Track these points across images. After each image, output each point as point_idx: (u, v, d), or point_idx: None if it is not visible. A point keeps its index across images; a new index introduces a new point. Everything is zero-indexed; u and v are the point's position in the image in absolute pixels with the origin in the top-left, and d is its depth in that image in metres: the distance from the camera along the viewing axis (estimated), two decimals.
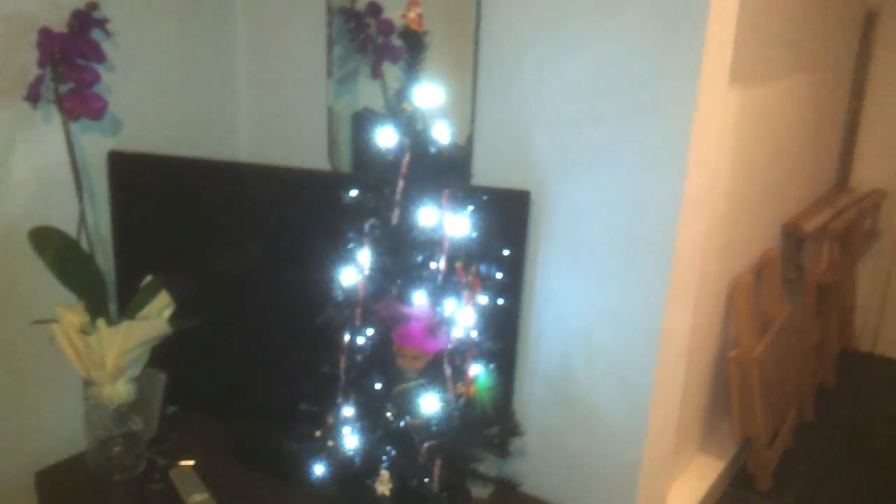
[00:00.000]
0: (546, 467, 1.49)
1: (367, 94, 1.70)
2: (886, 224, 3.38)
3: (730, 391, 2.24)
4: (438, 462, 1.21)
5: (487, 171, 1.46)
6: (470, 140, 1.47)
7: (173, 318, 1.45)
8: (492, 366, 1.27)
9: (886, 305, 3.45)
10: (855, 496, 2.29)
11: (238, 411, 1.60)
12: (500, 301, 1.25)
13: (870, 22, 3.27)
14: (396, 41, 1.67)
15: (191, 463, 1.50)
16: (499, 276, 1.25)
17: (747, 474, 2.29)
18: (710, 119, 1.31)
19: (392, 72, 1.63)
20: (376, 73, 1.67)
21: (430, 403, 1.19)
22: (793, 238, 2.71)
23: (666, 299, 1.31)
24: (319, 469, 1.26)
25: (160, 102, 1.64)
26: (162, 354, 1.50)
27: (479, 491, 1.40)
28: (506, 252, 1.34)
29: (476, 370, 1.25)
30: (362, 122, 1.76)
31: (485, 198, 1.23)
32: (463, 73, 1.47)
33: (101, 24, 1.44)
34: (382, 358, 1.24)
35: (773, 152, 2.38)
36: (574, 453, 1.47)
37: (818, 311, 2.84)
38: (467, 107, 1.48)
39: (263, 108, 1.81)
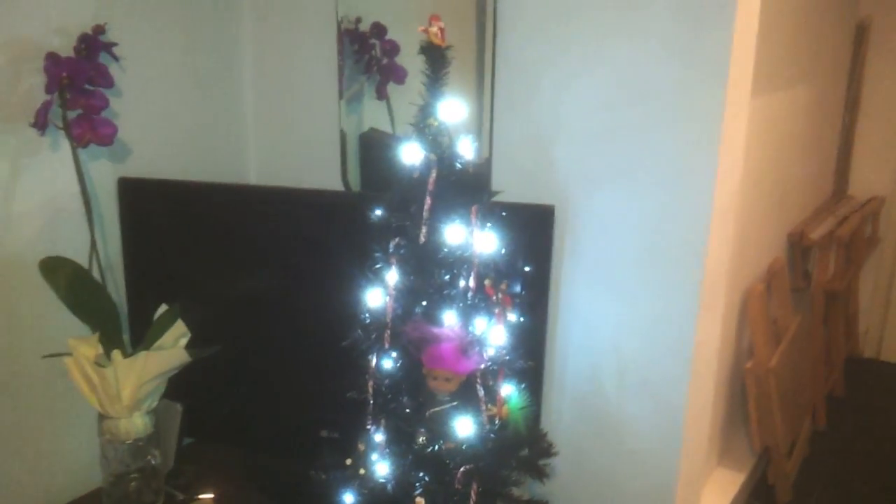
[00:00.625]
0: (577, 487, 1.45)
1: (373, 114, 1.68)
2: (885, 230, 3.38)
3: (747, 402, 2.20)
4: (475, 486, 1.16)
5: (508, 188, 1.42)
6: (489, 157, 1.44)
7: (189, 347, 1.40)
8: (523, 385, 1.23)
9: (889, 311, 3.44)
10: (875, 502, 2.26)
11: (258, 441, 1.55)
12: (526, 318, 1.22)
13: (861, 32, 3.29)
14: (400, 61, 1.67)
15: (210, 496, 1.45)
16: (524, 293, 1.22)
17: (767, 486, 2.26)
18: (737, 126, 1.29)
19: (397, 92, 1.61)
20: (382, 94, 1.65)
21: (464, 426, 1.15)
22: (798, 247, 2.69)
23: (698, 311, 1.28)
24: (349, 498, 1.21)
25: (168, 127, 1.61)
26: (177, 384, 1.45)
27: None
28: (531, 268, 1.31)
29: (508, 390, 1.21)
30: (370, 142, 1.73)
31: (503, 213, 1.19)
32: (478, 88, 1.44)
33: (109, 48, 1.41)
34: (412, 381, 1.19)
35: (777, 162, 2.37)
36: (606, 472, 1.42)
37: (825, 319, 2.82)
38: (485, 124, 1.45)
39: (272, 130, 1.78)
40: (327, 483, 1.24)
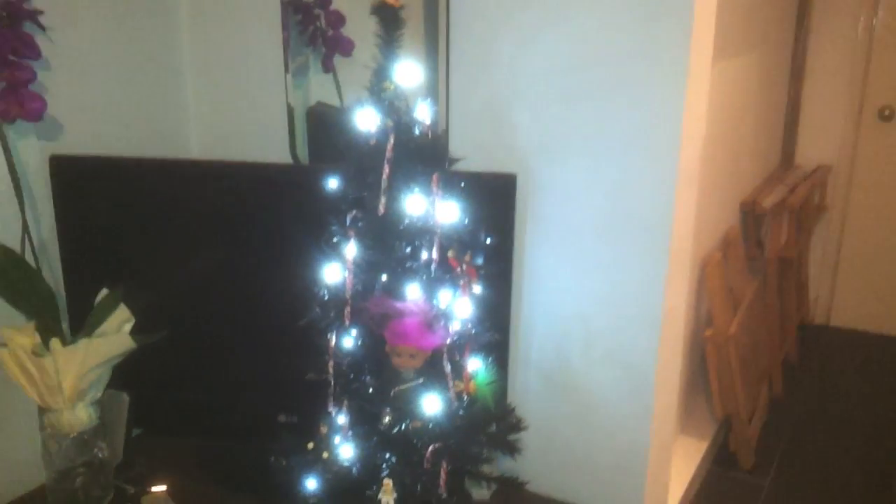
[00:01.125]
0: (547, 461, 1.42)
1: (319, 88, 1.62)
2: (832, 198, 3.43)
3: (706, 371, 2.21)
4: (444, 465, 1.12)
5: (467, 158, 1.37)
6: (446, 128, 1.39)
7: (134, 333, 1.32)
8: (490, 359, 1.19)
9: (837, 278, 3.50)
10: (833, 467, 2.30)
11: (212, 429, 1.48)
12: (490, 291, 1.17)
13: (805, 1, 3.31)
14: (346, 32, 1.60)
15: (163, 489, 1.38)
16: (487, 264, 1.18)
17: (729, 453, 2.27)
18: (700, 89, 1.26)
19: (343, 65, 1.55)
20: (328, 67, 1.58)
21: (431, 403, 1.11)
22: (751, 215, 2.71)
23: (666, 277, 1.25)
24: (312, 484, 1.15)
25: (102, 102, 1.51)
26: (124, 373, 1.37)
27: (480, 493, 1.32)
28: (494, 239, 1.26)
29: (475, 365, 1.17)
30: (318, 117, 1.66)
31: (463, 184, 1.14)
32: (430, 53, 1.39)
33: (34, 16, 1.31)
34: (375, 359, 1.14)
35: (730, 131, 2.37)
36: (575, 444, 1.40)
37: (778, 287, 2.85)
38: (440, 91, 1.40)
39: (214, 105, 1.69)
40: (288, 469, 1.18)
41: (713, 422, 2.31)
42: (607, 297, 1.31)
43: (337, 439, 1.15)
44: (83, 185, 1.40)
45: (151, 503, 1.35)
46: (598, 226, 1.29)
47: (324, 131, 1.67)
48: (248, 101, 1.65)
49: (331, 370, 1.16)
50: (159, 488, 1.39)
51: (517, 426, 1.21)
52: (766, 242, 2.78)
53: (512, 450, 1.17)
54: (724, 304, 2.21)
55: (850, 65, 3.35)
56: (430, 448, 1.11)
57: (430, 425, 1.11)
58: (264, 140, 1.63)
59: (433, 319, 1.10)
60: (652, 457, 1.36)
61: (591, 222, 1.30)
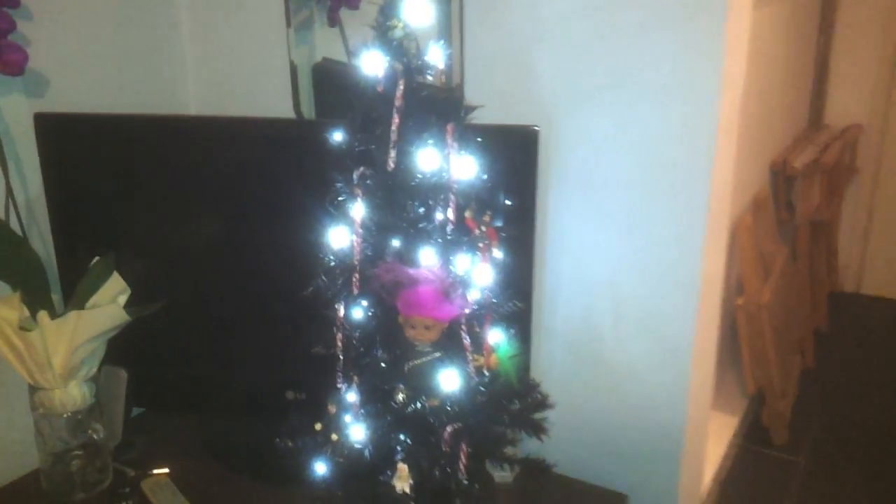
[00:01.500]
0: (573, 442, 1.32)
1: (325, 43, 1.50)
2: (864, 160, 3.28)
3: (739, 341, 2.09)
4: (464, 448, 1.02)
5: (485, 110, 1.25)
6: (460, 70, 1.27)
7: (130, 305, 1.22)
8: (512, 331, 1.09)
9: (869, 243, 3.36)
10: (871, 440, 2.18)
11: (216, 407, 1.39)
12: (510, 255, 1.07)
13: None
14: None
15: (165, 471, 1.30)
16: (507, 225, 1.07)
17: (761, 428, 2.16)
18: (740, 29, 1.14)
19: (350, 18, 1.43)
20: (334, 21, 1.46)
21: (449, 380, 1.00)
22: (782, 176, 2.58)
23: (704, 240, 1.13)
24: (321, 468, 1.06)
25: (92, 55, 1.40)
26: (121, 348, 1.28)
27: (502, 476, 1.22)
28: (514, 199, 1.16)
29: (496, 337, 1.06)
30: (325, 74, 1.55)
31: (480, 139, 1.03)
32: None
33: None
34: (387, 331, 1.04)
35: (760, 86, 2.23)
36: (605, 423, 1.30)
37: (808, 253, 2.72)
38: (454, 38, 1.28)
39: (213, 61, 1.58)
40: (295, 451, 1.09)
41: (743, 396, 2.20)
42: (639, 261, 1.20)
43: (347, 419, 1.05)
44: (72, 144, 1.29)
45: (152, 487, 1.27)
46: (630, 182, 1.18)
47: (331, 89, 1.56)
48: (249, 58, 1.54)
49: (339, 344, 1.05)
50: (161, 471, 1.30)
51: (543, 404, 1.10)
52: (797, 205, 2.64)
53: (538, 430, 1.06)
54: (756, 271, 2.09)
55: (883, 17, 3.17)
56: (449, 429, 1.00)
57: (448, 404, 1.00)
58: (266, 99, 1.52)
59: (450, 287, 0.99)
60: (688, 436, 1.25)
61: (621, 178, 1.18)
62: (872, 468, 2.03)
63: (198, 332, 1.34)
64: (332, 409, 1.04)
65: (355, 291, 1.03)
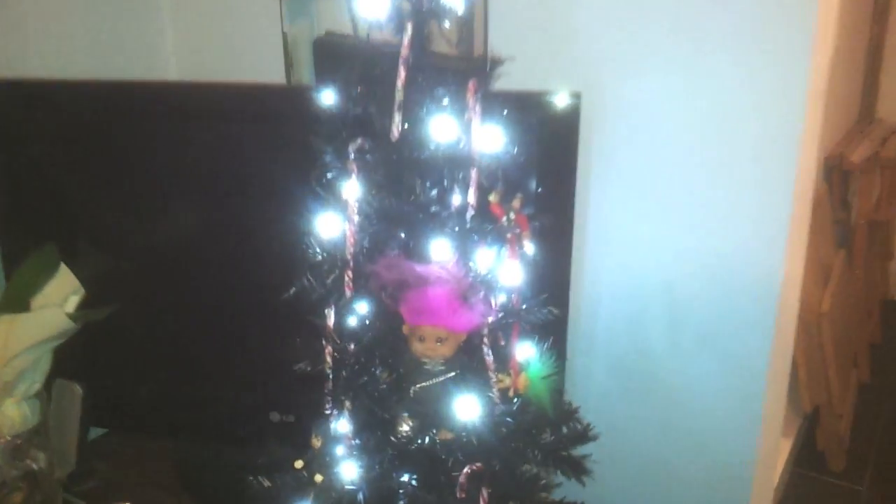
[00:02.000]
0: (617, 479, 1.10)
1: (329, 14, 1.33)
2: None
3: (794, 354, 1.86)
4: (484, 494, 0.81)
5: (512, 73, 1.04)
6: (484, 17, 1.06)
7: (87, 307, 1.02)
8: (546, 345, 0.87)
9: None
10: None
11: (189, 430, 1.18)
12: (544, 250, 0.85)
13: None
14: None
15: None
16: (541, 213, 0.86)
17: (816, 452, 1.93)
18: None
19: None
20: None
21: (467, 406, 0.79)
22: (838, 171, 2.34)
23: (788, 237, 0.91)
24: None
25: (56, 17, 1.22)
26: (77, 359, 1.07)
27: None
28: (549, 181, 0.94)
29: (525, 353, 0.84)
30: (327, 48, 1.34)
31: (506, 110, 0.82)
32: None
33: None
34: (388, 344, 0.83)
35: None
36: (656, 456, 1.08)
37: (865, 256, 2.48)
38: None
39: (196, 30, 1.38)
40: (273, 492, 0.88)
41: (797, 415, 1.96)
42: (703, 261, 0.99)
43: (337, 453, 0.84)
44: (23, 113, 1.09)
45: None
46: (693, 163, 0.96)
47: (334, 64, 1.35)
48: (237, 30, 1.35)
49: (328, 359, 0.84)
50: None
51: (584, 435, 0.89)
52: (854, 204, 2.40)
53: (578, 470, 0.85)
54: (815, 276, 1.86)
55: None
56: (466, 469, 0.79)
57: (465, 437, 0.79)
58: (257, 73, 1.33)
59: (469, 289, 0.78)
60: (757, 473, 1.03)
61: (683, 157, 0.96)
62: None
63: (168, 341, 1.14)
64: (318, 441, 0.82)
65: (348, 294, 0.82)
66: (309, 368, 0.86)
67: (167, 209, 1.10)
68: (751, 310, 0.96)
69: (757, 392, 0.99)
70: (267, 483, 0.87)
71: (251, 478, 0.88)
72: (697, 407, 1.04)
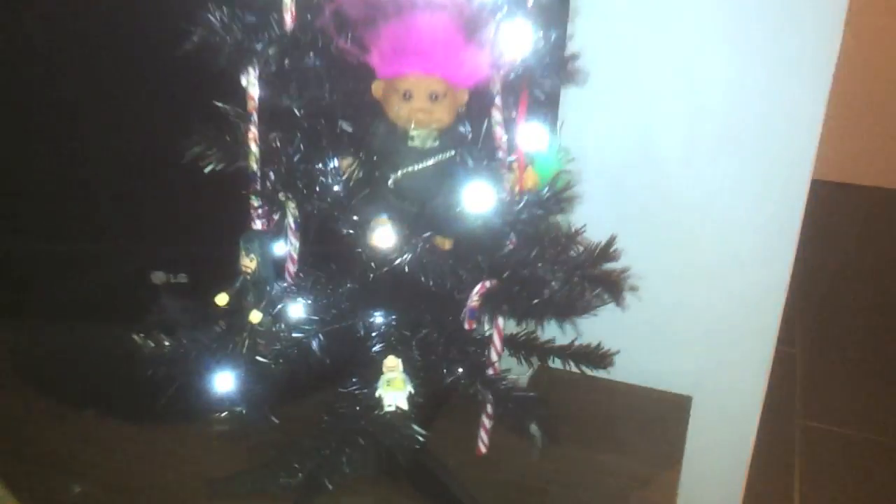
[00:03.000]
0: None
1: None
2: None
3: None
4: (498, 322, 0.57)
5: None
6: None
7: None
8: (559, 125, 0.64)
9: None
10: None
11: (36, 304, 0.84)
12: None
13: None
14: None
15: None
16: None
17: None
18: None
19: None
20: None
21: (477, 197, 0.53)
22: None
23: None
24: (227, 382, 0.57)
25: None
26: None
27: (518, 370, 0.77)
28: None
29: (537, 137, 0.59)
30: None
31: None
32: None
33: None
34: (351, 105, 0.55)
35: None
36: (673, 298, 0.87)
37: None
38: None
39: None
40: (173, 357, 0.59)
41: None
42: None
43: (282, 284, 0.57)
44: None
45: None
46: None
47: None
48: None
49: (253, 148, 0.56)
50: None
51: (605, 253, 0.66)
52: None
53: (615, 289, 0.61)
54: None
55: None
56: (478, 288, 0.54)
57: (476, 240, 0.54)
58: None
59: (475, 20, 0.52)
60: None
61: None
62: None
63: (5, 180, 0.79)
64: (251, 262, 0.54)
65: (285, 35, 0.53)
66: (219, 167, 0.57)
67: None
68: None
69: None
70: (166, 342, 0.58)
71: (139, 337, 0.59)
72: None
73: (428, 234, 0.53)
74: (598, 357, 0.70)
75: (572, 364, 0.70)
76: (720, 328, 0.88)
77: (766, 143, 0.80)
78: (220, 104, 0.57)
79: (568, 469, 0.71)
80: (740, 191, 0.83)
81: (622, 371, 0.84)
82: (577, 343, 0.70)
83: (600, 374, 0.75)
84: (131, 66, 0.69)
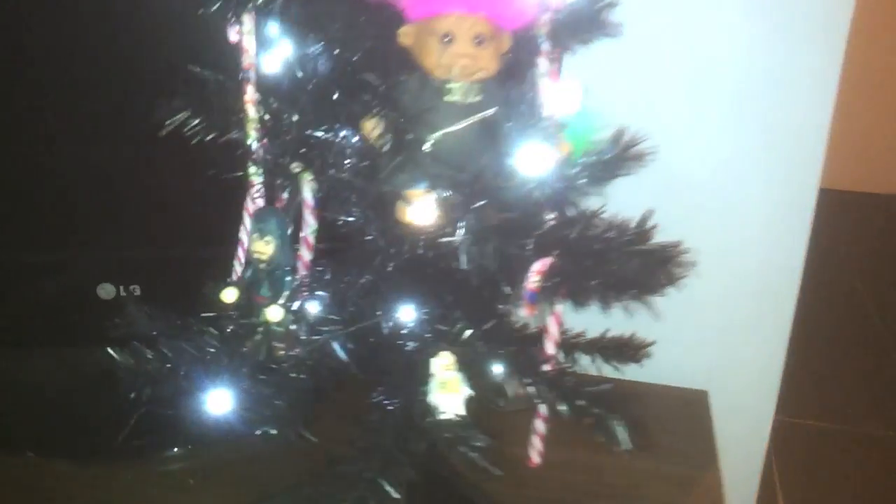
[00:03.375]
0: None
1: None
2: None
3: None
4: (556, 312, 0.49)
5: None
6: None
7: None
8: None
9: None
10: None
11: None
12: None
13: None
14: None
15: None
16: None
17: None
18: None
19: None
20: None
21: (531, 160, 0.45)
22: None
23: None
24: (225, 400, 0.46)
25: None
26: None
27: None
28: None
29: (571, 98, 0.51)
30: None
31: None
32: None
33: None
34: (377, 63, 0.46)
35: None
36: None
37: None
38: None
39: None
40: (157, 372, 0.48)
41: None
42: None
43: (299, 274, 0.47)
44: None
45: None
46: None
47: None
48: None
49: (249, 111, 0.46)
50: None
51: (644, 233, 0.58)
52: None
53: (674, 266, 0.54)
54: None
55: None
56: (536, 267, 0.46)
57: (534, 203, 0.46)
58: None
59: None
60: None
61: None
62: None
63: None
64: (267, 246, 0.44)
65: None
66: (208, 138, 0.46)
67: None
68: None
69: None
70: (149, 355, 0.47)
71: (109, 351, 0.47)
72: None
73: (481, 203, 0.44)
74: (632, 349, 0.63)
75: (601, 360, 0.63)
76: (733, 324, 0.83)
77: (776, 142, 0.76)
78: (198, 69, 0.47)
79: (611, 482, 0.63)
80: (752, 181, 0.78)
81: (633, 369, 0.78)
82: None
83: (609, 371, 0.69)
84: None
